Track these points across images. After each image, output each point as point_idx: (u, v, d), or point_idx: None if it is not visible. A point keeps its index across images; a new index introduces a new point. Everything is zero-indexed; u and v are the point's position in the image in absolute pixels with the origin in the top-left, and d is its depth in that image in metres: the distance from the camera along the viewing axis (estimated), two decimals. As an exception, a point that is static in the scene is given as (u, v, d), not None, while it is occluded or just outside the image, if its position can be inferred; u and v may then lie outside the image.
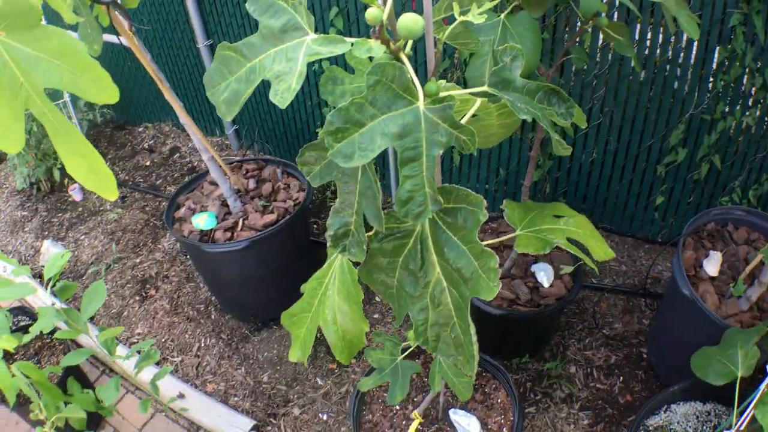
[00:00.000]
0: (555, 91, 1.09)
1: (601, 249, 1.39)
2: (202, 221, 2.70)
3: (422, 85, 0.89)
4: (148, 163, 4.42)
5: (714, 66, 2.49)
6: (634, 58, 1.93)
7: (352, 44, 0.88)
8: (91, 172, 0.97)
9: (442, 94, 0.91)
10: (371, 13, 0.86)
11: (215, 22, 3.53)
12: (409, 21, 0.86)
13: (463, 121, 0.97)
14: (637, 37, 2.49)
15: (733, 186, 2.75)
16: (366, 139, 0.84)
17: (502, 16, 1.64)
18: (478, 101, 1.13)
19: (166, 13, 3.75)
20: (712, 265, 2.32)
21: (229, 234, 2.69)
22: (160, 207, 3.95)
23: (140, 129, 4.85)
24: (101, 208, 4.02)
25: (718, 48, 2.43)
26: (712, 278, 2.28)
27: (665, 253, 3.03)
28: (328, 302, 1.34)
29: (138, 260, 3.55)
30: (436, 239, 1.05)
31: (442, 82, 1.11)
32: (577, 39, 2.15)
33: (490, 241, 1.35)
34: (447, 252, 1.03)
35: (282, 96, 0.88)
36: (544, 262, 2.48)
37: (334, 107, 0.84)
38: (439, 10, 1.08)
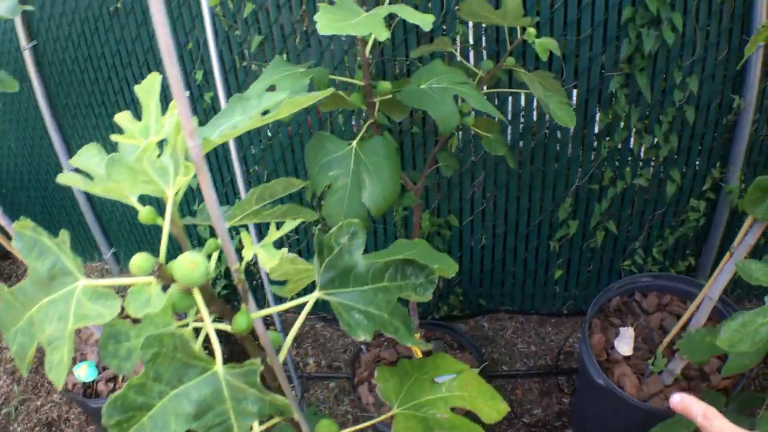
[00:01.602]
0: (408, 261, 0.94)
1: (492, 408, 1.24)
2: (83, 372, 2.45)
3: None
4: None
5: (596, 132, 2.45)
6: (507, 155, 1.82)
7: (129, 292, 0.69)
8: None
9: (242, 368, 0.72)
10: (135, 263, 0.67)
11: (77, 146, 3.30)
12: (186, 266, 0.67)
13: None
14: (510, 114, 2.42)
15: (634, 247, 2.71)
16: (159, 424, 0.65)
17: (354, 143, 1.49)
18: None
19: (30, 138, 3.48)
20: (624, 344, 2.23)
21: (111, 385, 2.45)
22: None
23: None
24: (2, 345, 3.74)
25: (599, 114, 2.39)
26: (627, 358, 2.19)
27: (574, 324, 2.96)
28: None
29: (39, 402, 3.32)
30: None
31: (283, 252, 0.93)
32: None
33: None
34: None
35: (57, 372, 0.68)
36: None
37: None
38: (249, 203, 0.90)
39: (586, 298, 2.89)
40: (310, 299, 0.87)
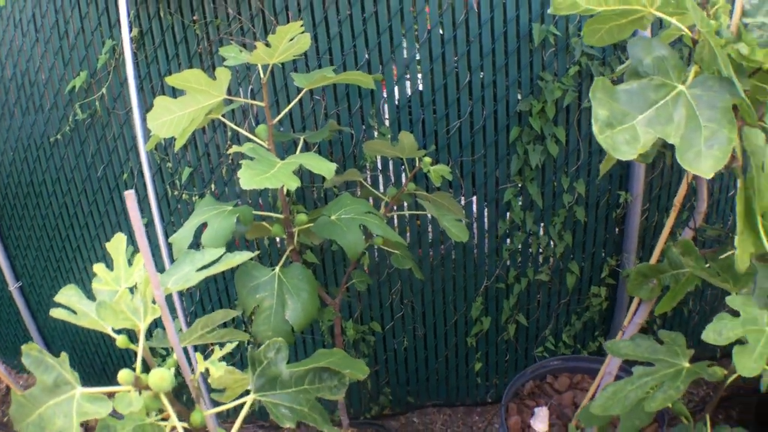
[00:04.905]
0: (324, 368, 1.26)
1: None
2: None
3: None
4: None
5: (497, 237, 2.84)
6: (414, 269, 2.19)
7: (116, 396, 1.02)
8: None
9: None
10: (122, 376, 1.00)
11: (21, 265, 3.54)
12: (158, 378, 1.01)
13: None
14: (418, 229, 2.80)
15: (545, 335, 3.07)
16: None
17: (277, 269, 1.83)
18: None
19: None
20: (540, 421, 2.50)
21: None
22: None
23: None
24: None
25: (498, 222, 2.79)
26: None
27: (498, 410, 3.23)
28: None
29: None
30: None
31: (224, 365, 1.25)
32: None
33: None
34: None
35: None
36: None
37: None
38: (196, 330, 1.23)
39: (506, 386, 3.17)
40: (248, 399, 1.19)
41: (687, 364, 1.65)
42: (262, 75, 1.86)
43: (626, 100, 1.28)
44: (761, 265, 1.81)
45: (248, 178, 1.52)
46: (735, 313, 1.37)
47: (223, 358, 3.08)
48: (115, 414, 1.06)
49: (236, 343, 1.27)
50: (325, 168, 1.63)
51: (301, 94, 2.03)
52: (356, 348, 2.98)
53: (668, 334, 1.77)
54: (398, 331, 3.03)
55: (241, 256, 1.13)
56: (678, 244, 1.92)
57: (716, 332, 1.33)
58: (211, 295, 3.00)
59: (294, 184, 1.56)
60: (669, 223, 2.09)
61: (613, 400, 1.64)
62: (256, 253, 1.26)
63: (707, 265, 1.87)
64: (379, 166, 2.69)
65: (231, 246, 2.84)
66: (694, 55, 1.42)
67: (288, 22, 2.38)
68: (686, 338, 1.74)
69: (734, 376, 1.73)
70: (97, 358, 3.71)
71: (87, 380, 3.93)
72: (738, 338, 1.32)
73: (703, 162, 1.19)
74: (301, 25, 1.71)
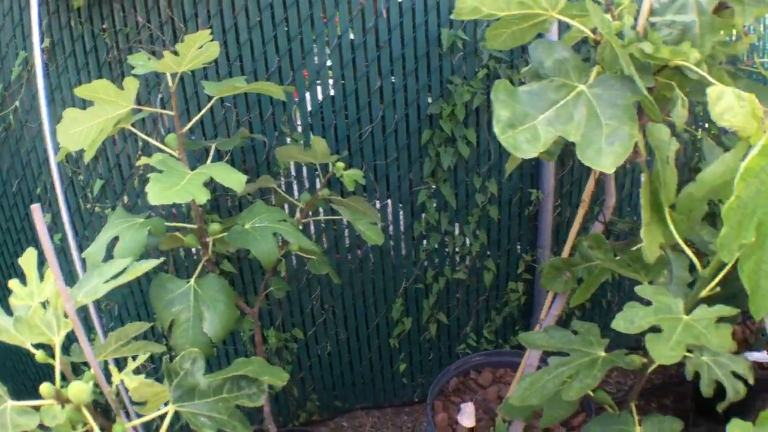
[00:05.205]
0: (242, 376, 1.27)
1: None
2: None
3: None
4: None
5: (413, 239, 2.89)
6: (331, 273, 2.21)
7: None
8: None
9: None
10: (43, 389, 1.01)
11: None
12: (77, 390, 1.02)
13: None
14: (335, 234, 2.83)
15: (467, 332, 3.14)
16: None
17: (192, 281, 1.83)
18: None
19: None
20: (467, 417, 2.54)
21: None
22: None
23: None
24: None
25: (414, 223, 2.84)
26: (471, 429, 2.50)
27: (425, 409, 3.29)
28: None
29: None
30: None
31: (141, 378, 1.25)
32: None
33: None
34: None
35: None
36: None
37: None
38: (110, 344, 1.23)
39: (432, 384, 3.25)
40: (168, 410, 1.19)
41: (603, 353, 1.69)
42: (170, 83, 1.85)
43: (527, 101, 1.32)
44: (676, 255, 1.89)
45: (156, 193, 1.51)
46: (646, 302, 1.42)
47: (147, 373, 3.07)
48: (42, 427, 1.07)
49: (148, 354, 1.28)
50: (236, 180, 1.64)
51: (210, 103, 2.03)
52: (279, 356, 2.99)
53: (582, 324, 1.82)
54: (321, 337, 3.05)
55: (148, 264, 1.14)
56: (588, 238, 1.99)
57: (627, 321, 1.37)
58: (130, 309, 2.95)
59: (203, 197, 1.56)
60: (578, 218, 2.17)
61: (531, 390, 1.67)
62: (161, 260, 1.26)
63: (617, 258, 1.95)
64: (294, 172, 2.71)
65: (146, 258, 2.80)
66: (596, 56, 1.48)
67: (198, 28, 2.38)
68: (606, 329, 1.79)
69: (655, 364, 1.79)
70: (30, 370, 3.62)
71: (19, 394, 3.81)
72: (651, 326, 1.35)
73: (604, 158, 1.23)
74: (210, 33, 1.72)
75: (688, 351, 1.87)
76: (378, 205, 2.78)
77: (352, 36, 2.51)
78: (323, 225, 2.79)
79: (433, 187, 2.79)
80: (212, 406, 1.21)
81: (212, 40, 1.74)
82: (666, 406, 3.35)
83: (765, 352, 2.99)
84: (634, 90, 1.31)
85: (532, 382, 1.68)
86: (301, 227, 2.51)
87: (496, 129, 1.25)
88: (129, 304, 2.95)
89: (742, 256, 1.13)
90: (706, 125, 3.30)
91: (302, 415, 3.24)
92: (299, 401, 3.19)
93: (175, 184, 1.55)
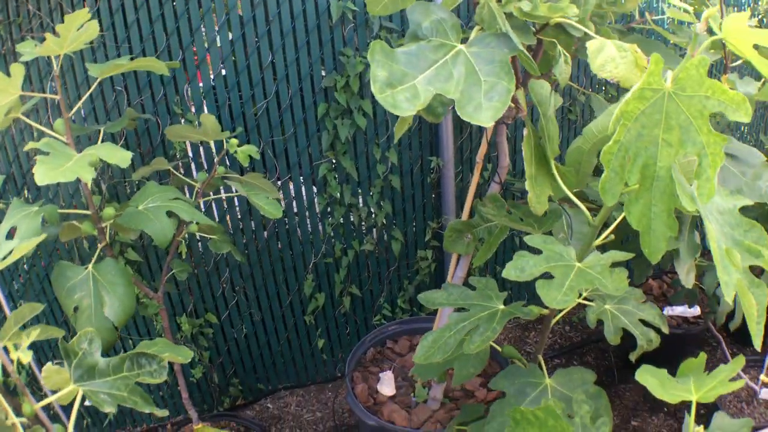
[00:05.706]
0: (142, 354, 1.27)
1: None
2: None
3: None
4: None
5: (318, 213, 2.91)
6: (233, 251, 2.21)
7: None
8: None
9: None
10: None
11: None
12: None
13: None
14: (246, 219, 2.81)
15: (380, 303, 3.18)
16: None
17: (90, 267, 1.81)
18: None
19: None
20: (386, 385, 2.59)
21: None
22: None
23: None
24: None
25: (317, 198, 2.85)
26: (392, 397, 2.55)
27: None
28: None
29: None
30: None
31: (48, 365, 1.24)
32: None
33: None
34: None
35: None
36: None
37: None
38: (11, 326, 1.22)
39: (349, 357, 3.28)
40: (69, 389, 1.18)
41: (501, 306, 1.74)
42: (55, 66, 1.81)
43: (406, 61, 1.33)
44: (574, 211, 1.96)
45: (43, 173, 1.49)
46: (538, 252, 1.46)
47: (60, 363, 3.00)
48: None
49: (38, 329, 1.26)
50: (120, 157, 1.63)
51: (94, 85, 2.00)
52: (196, 342, 2.96)
53: (479, 279, 1.87)
54: (235, 320, 3.03)
55: (31, 242, 1.14)
56: (486, 198, 2.04)
57: (518, 269, 1.41)
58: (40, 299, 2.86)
59: (88, 175, 1.54)
60: (474, 180, 2.21)
61: (434, 347, 1.70)
62: (43, 236, 1.26)
63: (511, 214, 2.01)
64: (190, 153, 2.68)
65: (53, 253, 2.73)
66: (476, 16, 1.51)
67: (88, 13, 2.32)
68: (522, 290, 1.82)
69: (559, 315, 1.86)
70: None
71: None
72: (542, 274, 1.39)
73: (483, 113, 1.25)
74: (89, 12, 1.68)
75: (589, 300, 1.96)
76: (279, 182, 2.78)
77: (240, 12, 2.49)
78: (226, 206, 2.78)
79: (334, 160, 2.81)
80: (112, 384, 1.21)
81: (91, 19, 1.71)
82: (588, 363, 3.47)
83: (686, 305, 3.11)
84: (510, 46, 1.35)
85: (435, 339, 1.72)
86: (203, 210, 2.50)
87: (374, 89, 1.26)
88: (42, 300, 2.83)
89: (629, 200, 1.17)
90: (604, 88, 3.42)
91: (226, 400, 3.23)
92: (221, 387, 3.18)
93: (60, 165, 1.54)
